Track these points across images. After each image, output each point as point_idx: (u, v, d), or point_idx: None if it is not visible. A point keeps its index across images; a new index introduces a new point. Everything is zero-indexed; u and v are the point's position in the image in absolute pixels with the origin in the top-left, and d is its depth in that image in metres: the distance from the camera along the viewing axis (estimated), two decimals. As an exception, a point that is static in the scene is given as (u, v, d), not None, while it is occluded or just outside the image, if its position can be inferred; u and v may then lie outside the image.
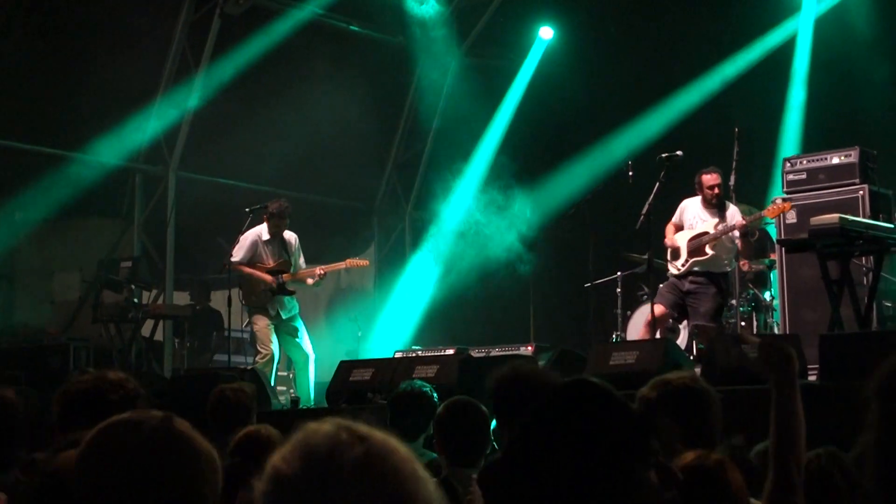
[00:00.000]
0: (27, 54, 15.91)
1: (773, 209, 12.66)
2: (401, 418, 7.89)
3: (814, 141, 14.49)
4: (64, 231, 17.03)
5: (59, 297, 17.05)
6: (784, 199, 12.75)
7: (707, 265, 12.96)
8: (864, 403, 1.62)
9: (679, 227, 13.26)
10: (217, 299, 17.45)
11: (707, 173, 13.10)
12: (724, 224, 12.95)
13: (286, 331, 14.16)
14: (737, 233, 13.00)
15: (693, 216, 13.18)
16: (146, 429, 2.63)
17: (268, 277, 14.02)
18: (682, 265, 13.03)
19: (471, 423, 6.29)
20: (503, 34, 19.95)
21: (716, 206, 13.07)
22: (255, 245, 14.16)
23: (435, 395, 8.05)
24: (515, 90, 20.00)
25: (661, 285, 13.33)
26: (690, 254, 13.00)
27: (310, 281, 14.22)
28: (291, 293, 14.11)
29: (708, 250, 12.90)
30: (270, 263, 14.07)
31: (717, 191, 13.01)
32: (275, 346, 13.97)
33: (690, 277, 13.01)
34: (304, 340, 14.16)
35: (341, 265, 14.67)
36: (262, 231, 14.17)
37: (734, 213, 13.06)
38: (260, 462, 2.17)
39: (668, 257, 13.36)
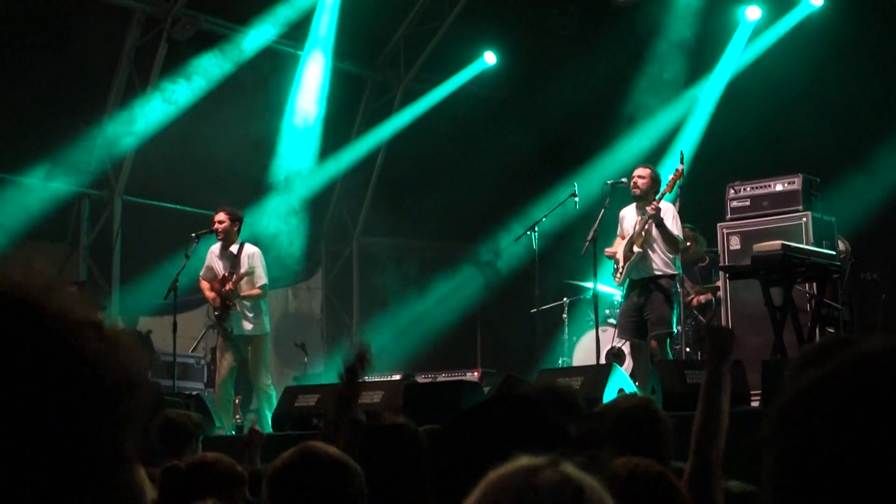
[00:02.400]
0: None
1: (671, 180, 12.43)
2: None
3: (757, 167, 14.57)
4: (8, 255, 16.91)
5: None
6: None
7: (642, 268, 12.42)
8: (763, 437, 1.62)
9: (623, 239, 12.77)
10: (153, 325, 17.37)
11: (636, 168, 12.81)
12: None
13: (244, 352, 13.96)
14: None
15: (629, 223, 12.70)
16: None
17: (209, 294, 13.91)
18: (619, 273, 12.55)
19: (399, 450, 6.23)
20: (449, 60, 20.01)
21: (643, 204, 12.50)
22: (208, 258, 14.06)
23: None
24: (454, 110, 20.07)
25: (618, 314, 13.06)
26: (624, 258, 12.49)
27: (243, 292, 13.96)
28: (231, 306, 13.81)
29: (635, 249, 12.35)
30: (219, 278, 13.93)
31: (638, 182, 12.49)
32: (230, 367, 13.78)
33: (635, 291, 12.49)
34: (258, 366, 13.90)
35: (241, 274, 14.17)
36: (217, 245, 14.06)
37: (664, 209, 12.40)
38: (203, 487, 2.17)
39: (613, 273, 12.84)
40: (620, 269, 12.50)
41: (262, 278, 13.87)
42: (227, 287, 13.66)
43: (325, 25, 18.35)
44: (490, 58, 19.81)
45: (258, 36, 17.85)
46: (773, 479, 1.59)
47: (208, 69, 17.34)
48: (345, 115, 19.87)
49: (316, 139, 19.02)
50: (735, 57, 17.89)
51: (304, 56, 18.69)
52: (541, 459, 1.77)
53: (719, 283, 13.98)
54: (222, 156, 17.43)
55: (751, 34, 17.86)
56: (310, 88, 18.74)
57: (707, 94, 18.02)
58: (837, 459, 1.50)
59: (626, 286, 12.66)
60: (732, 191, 13.53)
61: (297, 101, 18.66)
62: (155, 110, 17.11)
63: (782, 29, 17.46)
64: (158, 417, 7.74)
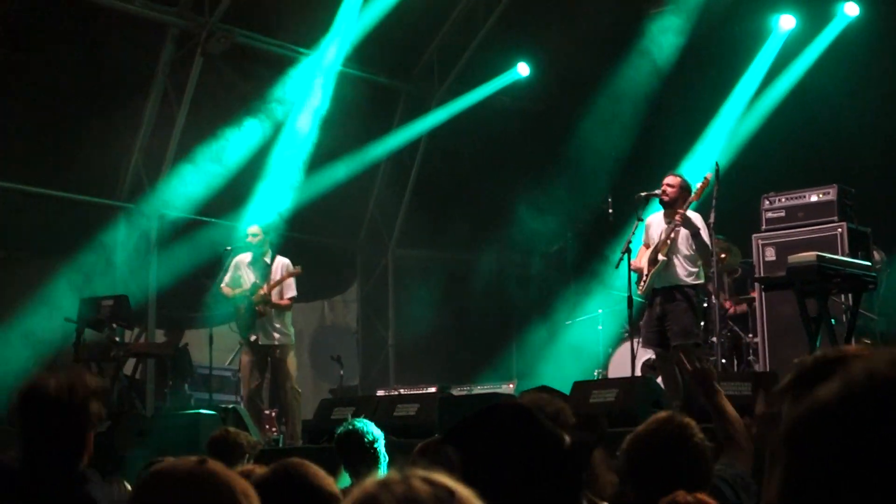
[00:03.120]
0: (9, 94, 15.93)
1: (698, 189, 12.29)
2: (351, 462, 7.81)
3: (793, 178, 14.52)
4: (44, 269, 17.01)
5: (42, 336, 17.00)
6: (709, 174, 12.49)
7: (666, 277, 12.27)
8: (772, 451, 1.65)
9: (648, 248, 12.60)
10: (191, 337, 17.48)
11: (665, 177, 12.60)
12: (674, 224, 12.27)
13: (272, 360, 14.09)
14: (685, 231, 12.23)
15: (655, 231, 12.52)
16: (182, 471, 2.83)
17: (233, 291, 14.07)
18: (643, 281, 12.38)
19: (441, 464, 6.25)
20: (483, 73, 20.03)
21: (670, 212, 12.35)
22: (234, 267, 14.20)
23: (372, 432, 7.88)
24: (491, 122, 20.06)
25: (640, 324, 12.88)
26: (648, 267, 12.34)
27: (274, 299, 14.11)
28: (261, 314, 13.94)
29: (660, 256, 12.22)
30: (247, 286, 14.07)
31: (667, 191, 12.33)
32: (259, 380, 13.93)
33: (658, 299, 12.32)
34: (285, 372, 14.01)
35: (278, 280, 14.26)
36: (247, 255, 14.22)
37: (693, 218, 12.27)
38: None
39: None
40: (645, 279, 12.38)
41: (291, 290, 14.05)
42: (260, 293, 13.81)
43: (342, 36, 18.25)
44: (523, 69, 19.83)
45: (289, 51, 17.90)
46: (784, 491, 1.61)
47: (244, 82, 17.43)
48: (379, 127, 19.89)
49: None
50: (768, 67, 17.84)
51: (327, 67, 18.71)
52: (393, 473, 1.90)
53: (754, 294, 13.92)
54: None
55: (785, 44, 17.78)
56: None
57: (740, 104, 17.96)
58: (853, 475, 1.51)
59: (648, 294, 12.56)
60: (767, 202, 13.49)
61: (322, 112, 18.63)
62: (190, 123, 17.19)
63: (820, 45, 17.38)
64: (216, 430, 7.81)
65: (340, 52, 18.33)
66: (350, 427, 7.90)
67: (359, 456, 7.76)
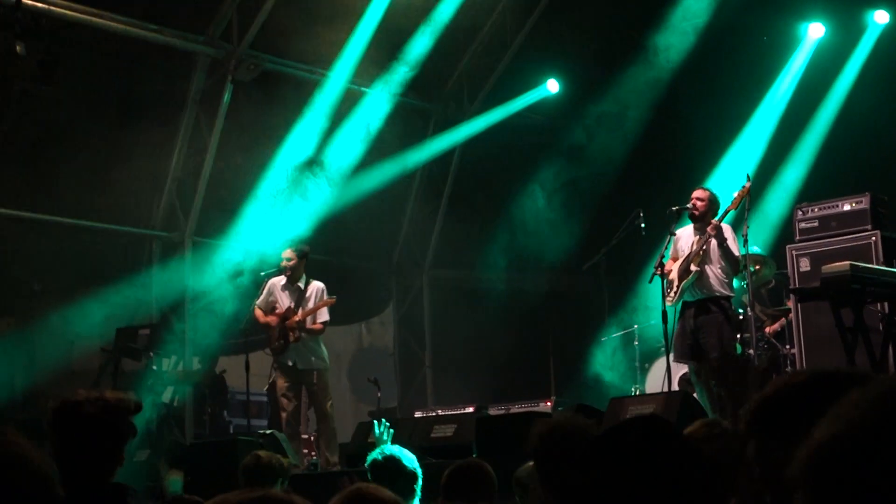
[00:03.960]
0: (43, 127, 16.04)
1: (736, 197, 12.33)
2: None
3: (824, 188, 14.47)
4: (82, 300, 17.11)
5: (80, 366, 17.07)
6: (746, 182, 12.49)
7: (699, 288, 12.29)
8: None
9: (676, 260, 12.62)
10: (227, 364, 17.51)
11: (694, 191, 12.66)
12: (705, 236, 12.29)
13: (307, 385, 14.14)
14: (715, 242, 12.27)
15: (685, 243, 12.58)
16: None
17: (269, 319, 14.08)
18: (673, 292, 12.37)
19: (474, 486, 6.23)
20: (512, 91, 20.06)
21: (700, 225, 12.41)
22: (268, 290, 14.24)
23: (404, 457, 7.65)
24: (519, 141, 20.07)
25: (673, 337, 12.75)
26: (679, 278, 12.35)
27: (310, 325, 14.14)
28: (294, 339, 13.98)
29: (692, 268, 12.23)
30: (281, 310, 14.10)
31: (697, 205, 12.40)
32: (294, 404, 13.98)
33: (691, 311, 12.32)
34: (321, 397, 14.06)
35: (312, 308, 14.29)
36: (281, 278, 14.26)
37: (724, 229, 12.29)
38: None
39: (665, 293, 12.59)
40: (675, 289, 12.34)
41: (324, 315, 14.06)
42: (296, 317, 13.85)
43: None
44: (553, 85, 19.84)
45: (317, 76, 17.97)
46: None
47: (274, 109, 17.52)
48: (410, 148, 19.93)
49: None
50: (799, 76, 17.80)
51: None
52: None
53: (790, 305, 13.86)
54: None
55: (815, 52, 17.74)
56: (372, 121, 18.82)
57: (772, 115, 17.92)
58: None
59: (678, 308, 12.51)
60: (800, 212, 13.42)
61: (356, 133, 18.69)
62: (221, 151, 17.27)
63: (858, 58, 17.33)
64: (249, 457, 7.82)
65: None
66: (382, 455, 7.77)
67: (392, 483, 7.67)
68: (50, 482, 2.62)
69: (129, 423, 4.79)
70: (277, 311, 14.07)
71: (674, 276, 12.40)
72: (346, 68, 18.06)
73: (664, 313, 12.54)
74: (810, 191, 14.34)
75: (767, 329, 14.70)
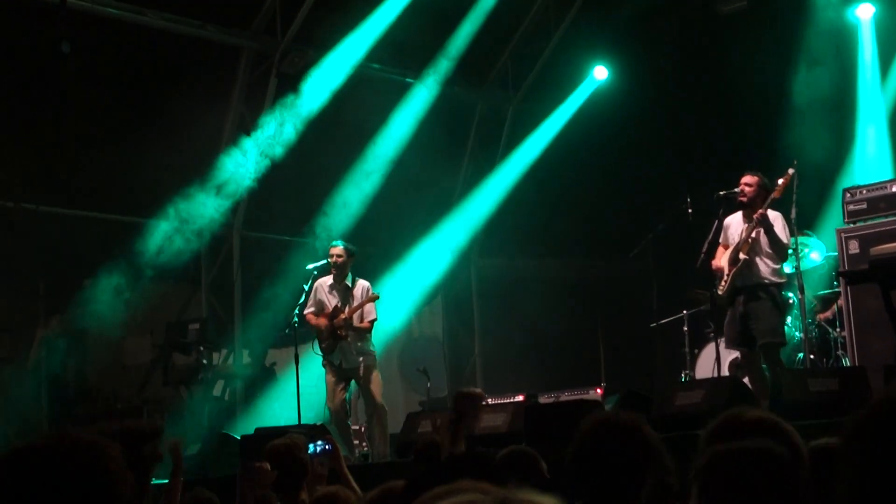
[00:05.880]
0: (91, 126, 16.14)
1: (780, 186, 12.10)
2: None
3: (874, 171, 14.38)
4: (133, 296, 17.21)
5: (131, 361, 17.20)
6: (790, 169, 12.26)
7: (749, 276, 12.11)
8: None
9: (727, 248, 12.43)
10: (274, 356, 17.59)
11: (743, 176, 12.40)
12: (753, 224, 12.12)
13: (356, 380, 14.18)
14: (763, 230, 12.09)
15: (735, 231, 12.36)
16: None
17: (319, 322, 14.07)
18: (724, 282, 12.19)
19: (525, 474, 6.20)
20: (558, 79, 20.03)
21: (749, 212, 12.20)
22: (315, 292, 14.24)
23: None
24: (568, 129, 20.05)
25: (724, 324, 12.61)
26: (729, 267, 12.16)
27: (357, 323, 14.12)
28: (342, 337, 14.00)
29: (741, 256, 12.05)
30: (329, 310, 14.10)
31: (745, 190, 12.18)
32: (342, 397, 14.00)
33: (740, 298, 12.14)
34: (371, 390, 14.06)
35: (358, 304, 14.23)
36: (327, 278, 14.26)
37: (773, 216, 12.10)
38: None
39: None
40: (726, 279, 12.19)
41: (372, 313, 14.05)
42: (341, 318, 13.85)
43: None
44: (601, 72, 19.77)
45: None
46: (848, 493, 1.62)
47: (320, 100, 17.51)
48: (455, 139, 19.94)
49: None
50: (850, 59, 17.59)
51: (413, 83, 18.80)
52: None
53: (840, 289, 13.77)
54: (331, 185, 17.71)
55: (867, 32, 17.49)
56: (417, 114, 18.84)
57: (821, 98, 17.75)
58: None
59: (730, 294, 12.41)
60: (849, 194, 13.36)
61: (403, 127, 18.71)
62: (267, 144, 17.30)
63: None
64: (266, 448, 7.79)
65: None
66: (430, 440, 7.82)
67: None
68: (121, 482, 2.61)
69: (149, 449, 4.69)
70: (326, 311, 14.07)
71: (724, 264, 12.26)
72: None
73: (713, 299, 12.46)
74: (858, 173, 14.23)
75: (820, 316, 14.61)
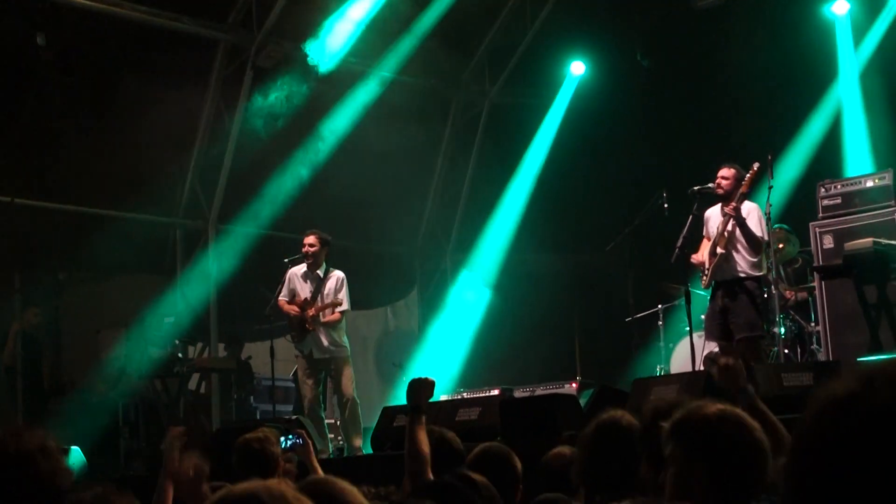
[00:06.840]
0: (66, 118, 16.08)
1: (747, 180, 12.12)
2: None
3: (848, 165, 14.41)
4: (107, 289, 17.18)
5: (105, 354, 17.15)
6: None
7: (727, 269, 12.20)
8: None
9: (710, 241, 12.48)
10: (251, 350, 17.59)
11: (720, 169, 12.44)
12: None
13: (327, 373, 14.13)
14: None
15: (714, 224, 12.42)
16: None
17: (291, 309, 14.02)
18: (705, 275, 12.31)
19: (498, 472, 6.16)
20: (534, 73, 20.04)
21: (727, 204, 12.21)
22: (289, 281, 14.18)
23: None
24: (548, 127, 20.02)
25: (703, 317, 12.84)
26: (710, 260, 12.26)
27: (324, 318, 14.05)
28: (311, 330, 13.95)
29: (718, 250, 12.14)
30: (300, 300, 14.03)
31: (722, 183, 12.25)
32: (315, 390, 13.95)
33: (720, 292, 12.27)
34: (343, 384, 14.00)
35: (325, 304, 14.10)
36: (301, 267, 14.19)
37: (747, 209, 12.18)
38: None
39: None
40: (706, 272, 12.29)
41: (343, 304, 13.96)
42: (310, 312, 13.79)
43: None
44: (578, 67, 19.76)
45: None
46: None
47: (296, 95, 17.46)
48: (430, 133, 19.95)
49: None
50: (826, 55, 17.61)
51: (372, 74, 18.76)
52: None
53: (815, 283, 13.80)
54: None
55: (842, 30, 17.51)
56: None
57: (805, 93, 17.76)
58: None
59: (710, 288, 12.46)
60: (823, 189, 13.37)
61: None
62: (243, 137, 17.28)
63: (877, 32, 17.15)
64: (237, 443, 7.75)
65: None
66: None
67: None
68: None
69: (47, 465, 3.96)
70: (298, 300, 14.02)
71: (705, 257, 12.35)
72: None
73: (688, 293, 12.54)
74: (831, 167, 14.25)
75: (788, 294, 14.56)
